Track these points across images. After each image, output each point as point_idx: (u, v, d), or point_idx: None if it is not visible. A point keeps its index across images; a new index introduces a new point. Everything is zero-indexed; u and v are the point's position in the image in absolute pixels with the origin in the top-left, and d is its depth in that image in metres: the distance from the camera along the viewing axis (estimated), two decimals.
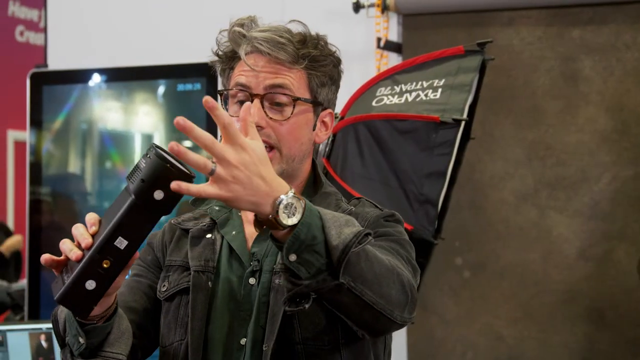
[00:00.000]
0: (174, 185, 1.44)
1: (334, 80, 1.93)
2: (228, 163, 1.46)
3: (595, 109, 3.95)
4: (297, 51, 1.85)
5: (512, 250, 4.06)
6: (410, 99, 2.72)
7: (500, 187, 4.07)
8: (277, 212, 1.50)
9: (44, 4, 4.58)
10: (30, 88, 4.15)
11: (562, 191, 3.98)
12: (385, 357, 1.91)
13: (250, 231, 1.90)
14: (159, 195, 1.49)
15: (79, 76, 4.18)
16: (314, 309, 1.71)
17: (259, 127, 1.81)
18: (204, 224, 1.95)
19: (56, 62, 4.37)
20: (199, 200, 1.98)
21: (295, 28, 1.92)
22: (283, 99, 1.84)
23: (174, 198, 1.50)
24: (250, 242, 1.89)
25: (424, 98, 2.70)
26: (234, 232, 1.92)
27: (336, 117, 2.89)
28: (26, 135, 4.18)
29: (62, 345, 1.74)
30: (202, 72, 3.96)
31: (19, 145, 8.31)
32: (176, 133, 4.11)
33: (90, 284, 1.55)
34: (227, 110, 1.88)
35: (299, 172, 1.93)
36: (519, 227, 4.05)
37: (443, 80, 2.70)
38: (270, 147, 1.83)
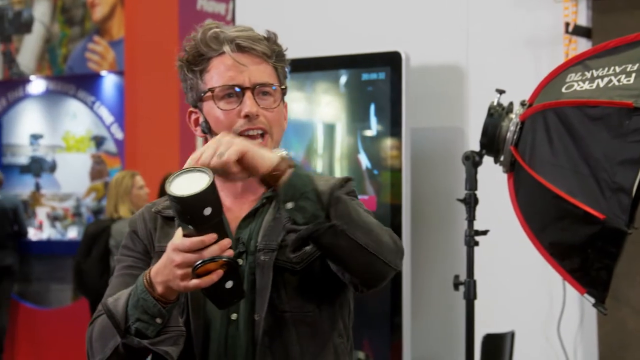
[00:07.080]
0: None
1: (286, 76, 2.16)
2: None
3: None
4: (269, 47, 2.08)
5: None
6: (602, 85, 2.64)
7: None
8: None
9: None
10: None
11: None
12: (349, 322, 2.11)
13: (231, 217, 2.06)
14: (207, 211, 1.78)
15: None
16: (299, 281, 1.98)
17: (256, 116, 2.03)
18: None
19: None
20: None
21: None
22: (269, 89, 2.06)
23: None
24: (232, 227, 2.05)
25: (617, 83, 2.61)
26: None
27: (524, 105, 2.83)
28: None
29: (124, 333, 1.90)
30: (386, 61, 3.96)
31: None
32: (357, 122, 4.13)
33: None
34: (201, 106, 2.08)
35: None
36: None
37: (637, 65, 2.61)
38: (263, 133, 2.05)
